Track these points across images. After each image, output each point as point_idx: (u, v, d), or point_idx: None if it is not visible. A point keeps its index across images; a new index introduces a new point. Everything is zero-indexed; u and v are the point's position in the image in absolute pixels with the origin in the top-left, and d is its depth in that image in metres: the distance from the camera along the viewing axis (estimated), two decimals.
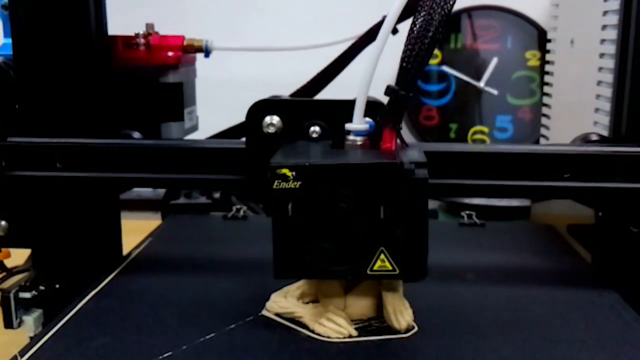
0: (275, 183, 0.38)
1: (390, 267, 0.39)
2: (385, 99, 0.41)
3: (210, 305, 0.47)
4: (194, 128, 0.63)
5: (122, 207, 0.59)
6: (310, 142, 0.46)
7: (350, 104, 0.41)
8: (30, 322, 0.51)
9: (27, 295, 0.51)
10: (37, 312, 0.52)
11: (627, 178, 0.47)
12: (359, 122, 0.41)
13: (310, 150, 0.43)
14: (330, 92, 0.78)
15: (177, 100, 0.58)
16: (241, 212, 0.70)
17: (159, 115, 0.58)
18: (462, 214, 0.69)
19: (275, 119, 0.46)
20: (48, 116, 0.52)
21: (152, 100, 0.57)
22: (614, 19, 0.53)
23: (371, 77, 0.40)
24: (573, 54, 0.67)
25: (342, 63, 0.71)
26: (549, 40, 0.76)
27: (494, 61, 1.07)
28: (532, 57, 1.07)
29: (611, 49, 0.54)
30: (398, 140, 0.41)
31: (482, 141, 1.08)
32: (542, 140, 0.77)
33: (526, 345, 0.41)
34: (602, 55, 0.56)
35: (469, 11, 1.08)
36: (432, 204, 0.97)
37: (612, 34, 0.54)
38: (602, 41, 0.56)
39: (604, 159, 0.47)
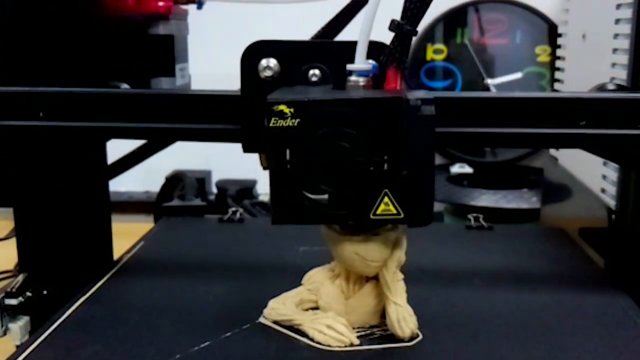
0: (272, 121, 0.36)
1: (394, 211, 0.37)
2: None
3: (205, 312, 0.46)
4: (187, 87, 0.61)
5: (112, 209, 0.59)
6: (309, 85, 0.44)
7: (352, 45, 0.39)
8: (16, 329, 0.51)
9: (13, 301, 0.50)
10: (24, 320, 0.51)
11: None
12: (362, 62, 0.39)
13: (309, 89, 0.42)
14: None
15: (167, 54, 0.56)
16: (237, 215, 0.70)
17: (148, 68, 0.56)
18: (469, 216, 0.68)
19: (272, 62, 0.44)
20: (31, 68, 0.50)
21: (142, 53, 0.56)
22: (627, 13, 0.53)
23: (374, 15, 0.38)
24: (585, 49, 0.66)
25: (344, 20, 0.68)
26: (560, 35, 0.76)
27: (517, 75, 1.06)
28: (542, 53, 1.06)
29: (625, 44, 0.53)
30: (404, 83, 0.40)
31: None
32: None
33: (536, 354, 0.41)
34: (615, 50, 0.56)
35: (475, 4, 1.07)
36: (438, 207, 0.95)
37: (626, 28, 0.53)
38: (616, 36, 0.56)
39: (622, 105, 0.45)
